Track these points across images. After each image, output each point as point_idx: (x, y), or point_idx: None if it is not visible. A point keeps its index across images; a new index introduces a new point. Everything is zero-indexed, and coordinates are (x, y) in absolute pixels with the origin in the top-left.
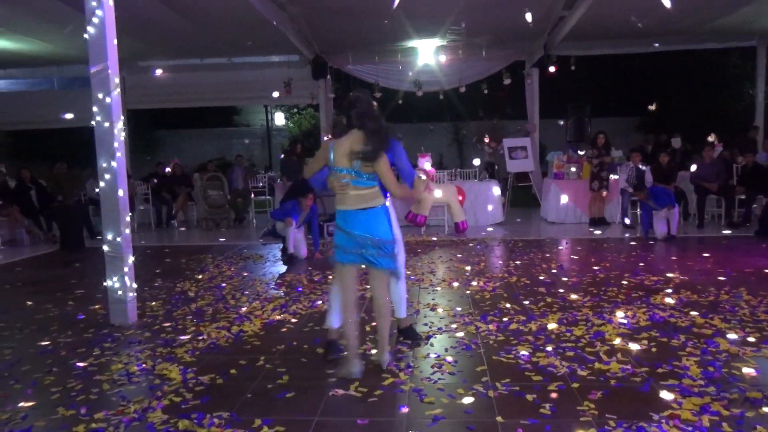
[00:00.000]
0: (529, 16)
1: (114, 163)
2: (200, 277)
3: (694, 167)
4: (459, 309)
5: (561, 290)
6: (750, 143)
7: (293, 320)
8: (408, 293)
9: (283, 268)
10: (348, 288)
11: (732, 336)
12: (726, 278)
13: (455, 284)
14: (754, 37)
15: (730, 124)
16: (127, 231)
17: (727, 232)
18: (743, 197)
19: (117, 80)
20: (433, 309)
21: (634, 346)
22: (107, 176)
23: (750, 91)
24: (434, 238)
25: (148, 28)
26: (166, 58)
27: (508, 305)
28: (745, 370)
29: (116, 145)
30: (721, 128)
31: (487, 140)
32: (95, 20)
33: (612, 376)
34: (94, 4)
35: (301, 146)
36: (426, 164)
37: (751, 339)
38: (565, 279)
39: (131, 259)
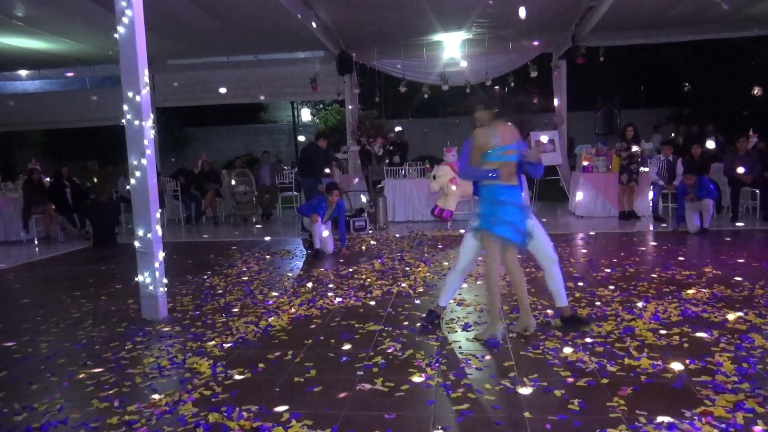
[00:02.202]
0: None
1: (144, 161)
2: (229, 272)
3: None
4: (486, 304)
5: (590, 285)
6: None
7: (320, 315)
8: (434, 288)
9: (310, 264)
10: (509, 264)
11: None
12: (761, 272)
13: (482, 279)
14: None
15: (766, 114)
16: (158, 227)
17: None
18: None
19: (146, 79)
20: (460, 304)
21: (665, 342)
22: (138, 173)
23: None
24: (461, 232)
25: (177, 27)
26: (194, 56)
27: (535, 300)
28: None
29: (146, 142)
30: (757, 118)
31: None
32: (125, 20)
33: (642, 371)
34: (123, 3)
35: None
36: (450, 156)
37: None
38: (594, 273)
39: (162, 255)
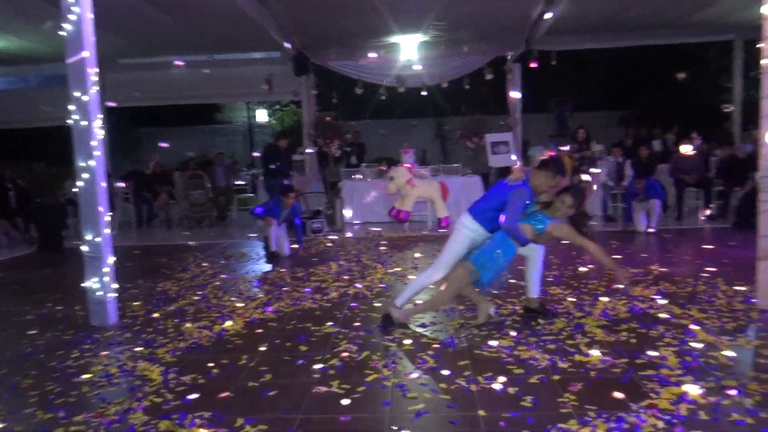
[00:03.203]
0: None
1: (92, 162)
2: (182, 276)
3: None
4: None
5: (543, 284)
6: (727, 136)
7: (276, 318)
8: (391, 289)
9: (265, 267)
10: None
11: (709, 325)
12: (704, 269)
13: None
14: (731, 30)
15: (710, 118)
16: (107, 231)
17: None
18: (721, 189)
19: (95, 77)
20: (416, 304)
21: (614, 338)
22: (85, 175)
23: (728, 85)
24: (417, 234)
25: (128, 24)
26: (146, 55)
27: (490, 299)
28: (722, 359)
29: (94, 143)
30: (701, 121)
31: (476, 139)
32: (72, 17)
33: (592, 367)
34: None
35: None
36: (407, 158)
37: (727, 328)
38: (546, 272)
39: (111, 259)
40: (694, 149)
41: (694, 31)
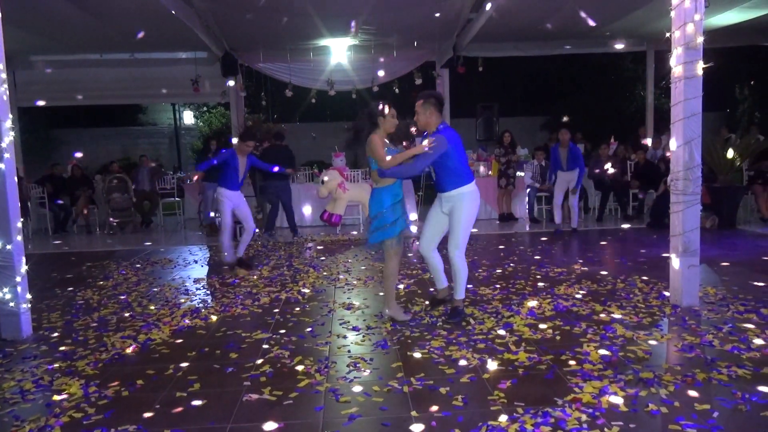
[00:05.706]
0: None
1: (2, 165)
2: (103, 284)
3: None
4: (374, 307)
5: (472, 284)
6: (641, 141)
7: (205, 326)
8: (323, 293)
9: (193, 272)
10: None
11: (627, 321)
12: (622, 268)
13: (370, 282)
14: (643, 41)
15: (625, 124)
16: (19, 238)
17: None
18: (636, 191)
19: (4, 75)
20: (349, 308)
21: (539, 336)
22: None
23: (641, 93)
24: (350, 237)
25: (41, 19)
26: (62, 53)
27: (422, 301)
28: (639, 352)
29: (3, 145)
30: (617, 128)
31: (407, 143)
32: None
33: (520, 365)
34: None
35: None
36: (338, 161)
37: (644, 323)
38: (476, 273)
39: (24, 267)
40: (611, 154)
41: (608, 41)
